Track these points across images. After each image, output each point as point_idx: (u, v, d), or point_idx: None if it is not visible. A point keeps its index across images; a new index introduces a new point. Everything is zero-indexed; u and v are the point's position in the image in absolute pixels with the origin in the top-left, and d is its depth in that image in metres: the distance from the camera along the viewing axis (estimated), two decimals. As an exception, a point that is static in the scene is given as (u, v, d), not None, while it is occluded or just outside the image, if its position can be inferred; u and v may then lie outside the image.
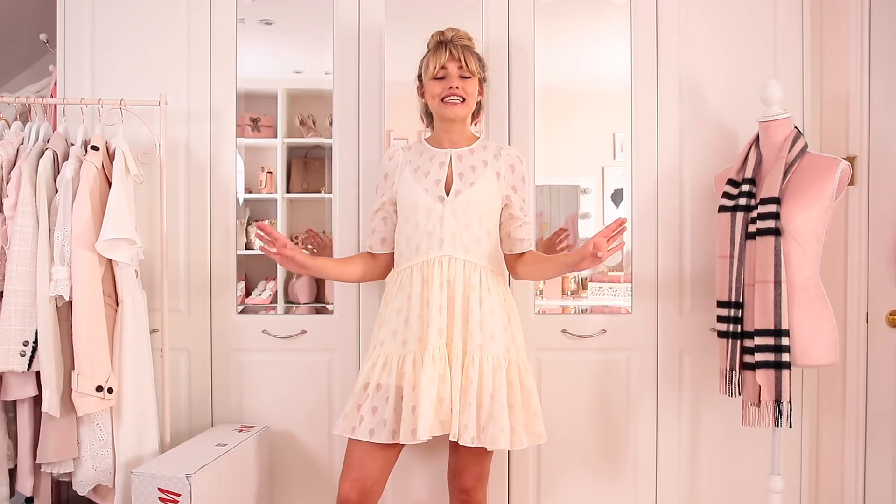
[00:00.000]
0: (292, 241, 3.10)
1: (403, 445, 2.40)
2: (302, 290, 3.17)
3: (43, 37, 3.51)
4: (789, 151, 2.61)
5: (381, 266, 2.66)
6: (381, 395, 2.37)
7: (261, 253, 3.16)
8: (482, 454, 2.50)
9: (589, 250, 2.25)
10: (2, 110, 3.16)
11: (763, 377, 2.54)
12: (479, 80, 2.53)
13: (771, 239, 2.53)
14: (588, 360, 3.08)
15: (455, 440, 2.33)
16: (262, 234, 2.45)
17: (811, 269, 2.55)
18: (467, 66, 2.46)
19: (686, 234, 3.08)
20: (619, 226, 2.28)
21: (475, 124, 2.70)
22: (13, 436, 2.82)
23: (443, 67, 2.47)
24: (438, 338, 2.36)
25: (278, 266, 3.16)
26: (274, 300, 3.17)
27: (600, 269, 3.09)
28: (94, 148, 2.76)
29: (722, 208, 2.75)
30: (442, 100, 2.47)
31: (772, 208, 2.54)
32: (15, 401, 2.76)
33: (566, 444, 3.08)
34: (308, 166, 3.22)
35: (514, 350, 2.46)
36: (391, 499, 3.05)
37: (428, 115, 2.65)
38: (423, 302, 2.40)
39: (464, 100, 2.47)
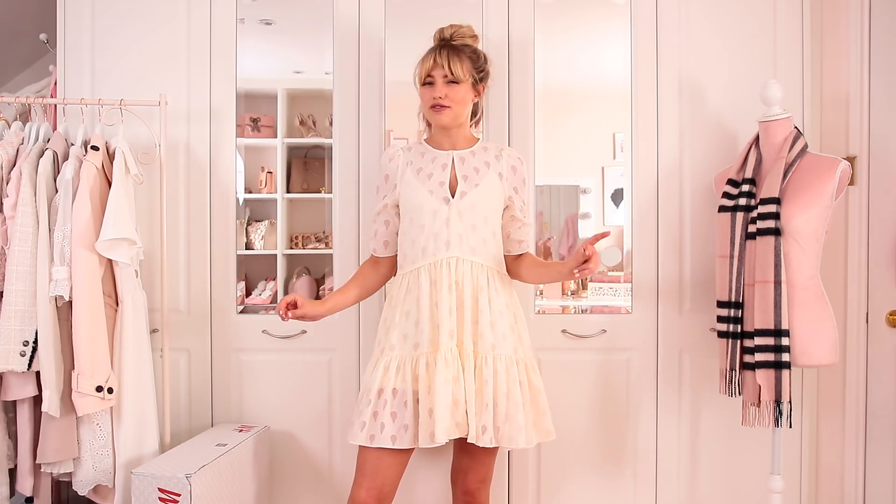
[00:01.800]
0: (292, 241, 3.10)
1: (414, 448, 2.39)
2: (302, 290, 3.17)
3: (43, 37, 3.51)
4: (789, 151, 2.61)
5: (387, 269, 2.63)
6: (399, 400, 2.35)
7: (261, 253, 3.17)
8: (488, 455, 2.51)
9: (581, 253, 2.24)
10: (2, 110, 3.16)
11: (763, 377, 2.54)
12: (475, 81, 2.49)
13: (771, 239, 2.53)
14: (588, 360, 3.09)
15: (469, 441, 2.32)
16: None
17: (811, 269, 2.55)
18: (452, 72, 2.42)
19: (686, 234, 3.08)
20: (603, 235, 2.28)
21: (475, 126, 2.68)
22: (13, 436, 2.82)
23: (428, 75, 2.45)
24: (450, 339, 2.34)
25: (278, 266, 3.17)
26: (274, 300, 3.17)
27: (600, 269, 3.09)
28: (94, 148, 2.76)
29: (722, 208, 2.75)
30: (429, 107, 2.45)
31: (772, 208, 2.54)
32: (15, 401, 2.76)
33: (566, 444, 3.08)
34: (308, 166, 3.22)
35: (522, 350, 2.46)
36: (394, 500, 3.05)
37: (425, 117, 2.63)
38: (432, 304, 2.39)
39: (450, 106, 2.43)
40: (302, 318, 2.47)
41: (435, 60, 2.44)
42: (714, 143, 3.07)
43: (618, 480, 3.11)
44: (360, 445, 2.37)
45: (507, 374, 2.37)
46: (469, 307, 2.39)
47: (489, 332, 2.38)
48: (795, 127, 2.70)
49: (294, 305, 2.44)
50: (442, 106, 2.42)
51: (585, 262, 2.23)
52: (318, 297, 3.15)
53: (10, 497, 2.82)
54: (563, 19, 3.07)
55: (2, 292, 2.70)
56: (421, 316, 2.39)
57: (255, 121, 3.14)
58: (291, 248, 3.19)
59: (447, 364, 2.32)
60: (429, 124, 2.61)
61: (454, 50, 2.46)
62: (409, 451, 2.38)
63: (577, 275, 2.27)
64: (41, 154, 2.76)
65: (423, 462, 3.05)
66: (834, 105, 3.03)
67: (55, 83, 3.15)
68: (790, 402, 2.52)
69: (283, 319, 2.45)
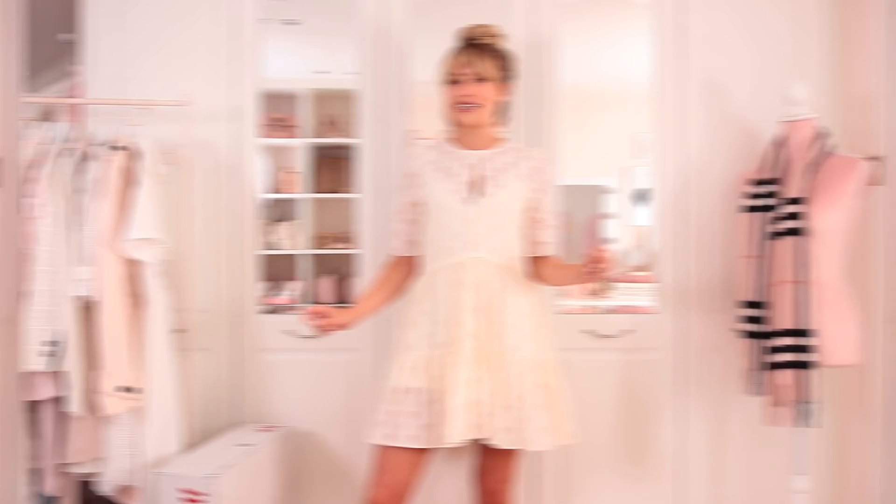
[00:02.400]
0: (316, 241, 3.10)
1: (433, 449, 2.38)
2: (325, 290, 3.18)
3: (69, 37, 3.52)
4: (814, 151, 2.61)
5: (409, 269, 2.60)
6: (419, 399, 2.34)
7: (284, 253, 3.17)
8: (510, 455, 2.50)
9: (593, 256, 2.21)
10: (28, 110, 3.17)
11: (788, 377, 2.54)
12: (501, 80, 2.46)
13: (796, 239, 2.53)
14: (613, 361, 3.09)
15: (488, 443, 2.32)
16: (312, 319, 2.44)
17: (835, 269, 2.55)
18: (479, 70, 2.40)
19: (710, 234, 3.07)
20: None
21: (501, 125, 2.68)
22: (38, 436, 2.83)
23: (454, 73, 2.42)
24: (470, 340, 2.33)
25: (301, 266, 3.17)
26: (297, 301, 3.18)
27: (620, 270, 3.09)
28: (120, 148, 2.77)
29: (745, 208, 2.75)
30: (455, 106, 2.44)
31: (797, 208, 2.55)
32: (39, 401, 2.77)
33: (590, 446, 3.06)
34: (333, 166, 3.23)
35: (544, 351, 2.45)
36: (415, 501, 3.04)
37: (449, 116, 2.61)
38: (453, 304, 2.37)
39: (477, 105, 2.42)
40: (334, 327, 2.45)
41: (462, 59, 2.41)
42: (738, 143, 3.06)
43: (642, 481, 3.11)
44: (376, 444, 2.37)
45: (527, 376, 2.36)
46: (490, 308, 2.38)
47: (510, 333, 2.37)
48: (820, 126, 2.70)
49: (322, 315, 2.43)
50: (469, 104, 2.41)
51: (597, 264, 2.21)
52: (340, 296, 3.16)
53: (35, 497, 2.82)
54: (586, 19, 3.08)
55: (27, 292, 2.71)
56: (442, 316, 2.38)
57: (279, 121, 3.15)
58: (315, 248, 3.20)
59: (466, 364, 2.31)
60: (453, 124, 2.61)
61: (481, 48, 2.44)
62: (429, 451, 2.38)
63: (590, 277, 2.25)
64: (67, 154, 2.77)
65: (444, 463, 3.04)
66: (858, 105, 3.03)
67: (81, 83, 3.16)
68: (815, 401, 2.52)
69: (319, 334, 2.44)
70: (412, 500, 2.41)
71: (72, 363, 2.67)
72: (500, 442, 2.30)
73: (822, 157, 2.61)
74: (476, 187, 2.44)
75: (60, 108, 2.94)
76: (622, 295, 3.07)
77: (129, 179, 2.78)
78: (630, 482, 3.11)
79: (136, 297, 2.79)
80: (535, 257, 2.56)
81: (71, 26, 3.22)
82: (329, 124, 3.08)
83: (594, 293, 3.12)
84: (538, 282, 2.58)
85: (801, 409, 2.54)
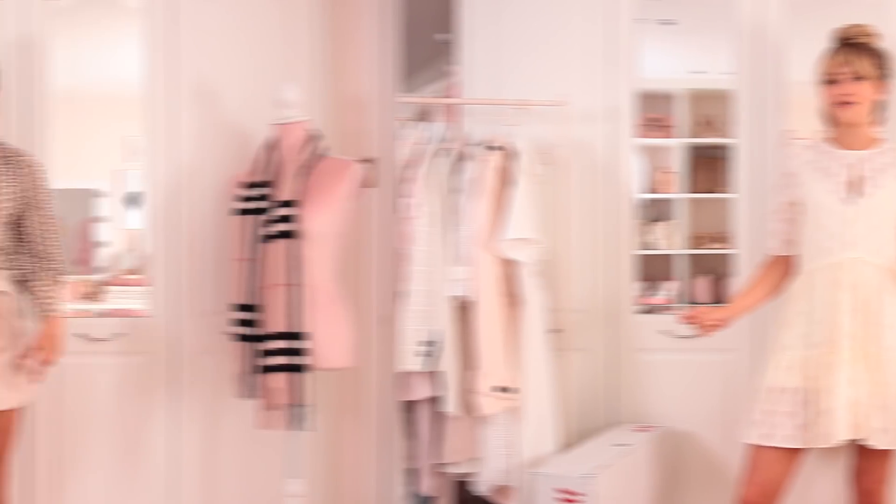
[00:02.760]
0: (693, 241, 3.08)
1: (806, 449, 2.33)
2: (701, 290, 3.14)
3: (446, 37, 3.55)
4: None
5: (785, 268, 2.53)
6: (795, 399, 2.29)
7: (660, 253, 3.15)
8: (887, 456, 2.40)
9: None
10: (405, 110, 3.20)
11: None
12: (879, 78, 2.37)
13: None
14: None
15: (866, 443, 2.25)
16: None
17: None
18: (857, 69, 2.33)
19: None
20: None
21: (878, 125, 2.63)
22: (414, 436, 2.84)
23: (832, 72, 2.36)
24: (848, 340, 2.27)
25: (677, 266, 3.15)
26: (673, 300, 3.15)
27: None
28: (496, 148, 2.80)
29: None
30: (834, 104, 2.38)
31: None
32: (416, 401, 2.79)
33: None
34: (709, 166, 3.19)
35: None
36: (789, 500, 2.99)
37: (827, 116, 2.59)
38: (830, 305, 2.31)
39: (856, 103, 2.34)
40: (714, 322, 2.43)
41: (839, 58, 2.35)
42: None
43: None
44: (750, 444, 2.35)
45: None
46: (868, 309, 2.30)
47: (887, 334, 2.29)
48: None
49: (698, 316, 2.42)
50: (848, 102, 2.35)
51: None
52: (718, 297, 3.13)
53: (411, 496, 2.83)
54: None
55: (404, 292, 2.72)
56: (819, 316, 2.32)
57: (655, 121, 3.14)
58: (692, 248, 3.16)
59: (846, 365, 2.25)
60: (831, 123, 2.57)
61: (858, 47, 2.36)
62: (803, 452, 2.33)
63: None
64: (443, 154, 2.81)
65: (819, 463, 2.96)
66: None
67: (457, 83, 3.19)
68: None
69: (700, 334, 2.43)
70: (783, 501, 2.37)
71: (448, 363, 2.69)
72: (876, 442, 2.24)
73: None
74: (855, 187, 2.38)
75: (437, 108, 2.96)
76: None
77: (505, 179, 2.80)
78: None
79: (511, 297, 2.81)
80: None
81: (447, 26, 3.27)
82: (705, 124, 3.05)
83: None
84: None
85: None
